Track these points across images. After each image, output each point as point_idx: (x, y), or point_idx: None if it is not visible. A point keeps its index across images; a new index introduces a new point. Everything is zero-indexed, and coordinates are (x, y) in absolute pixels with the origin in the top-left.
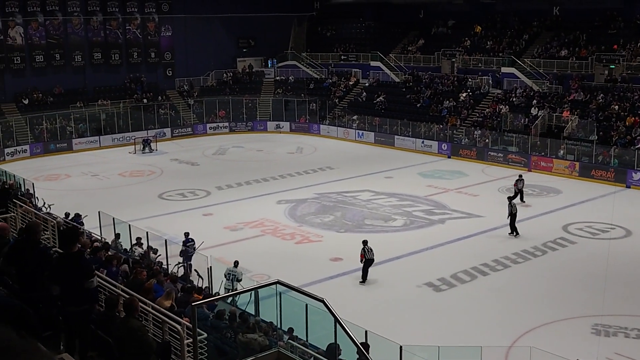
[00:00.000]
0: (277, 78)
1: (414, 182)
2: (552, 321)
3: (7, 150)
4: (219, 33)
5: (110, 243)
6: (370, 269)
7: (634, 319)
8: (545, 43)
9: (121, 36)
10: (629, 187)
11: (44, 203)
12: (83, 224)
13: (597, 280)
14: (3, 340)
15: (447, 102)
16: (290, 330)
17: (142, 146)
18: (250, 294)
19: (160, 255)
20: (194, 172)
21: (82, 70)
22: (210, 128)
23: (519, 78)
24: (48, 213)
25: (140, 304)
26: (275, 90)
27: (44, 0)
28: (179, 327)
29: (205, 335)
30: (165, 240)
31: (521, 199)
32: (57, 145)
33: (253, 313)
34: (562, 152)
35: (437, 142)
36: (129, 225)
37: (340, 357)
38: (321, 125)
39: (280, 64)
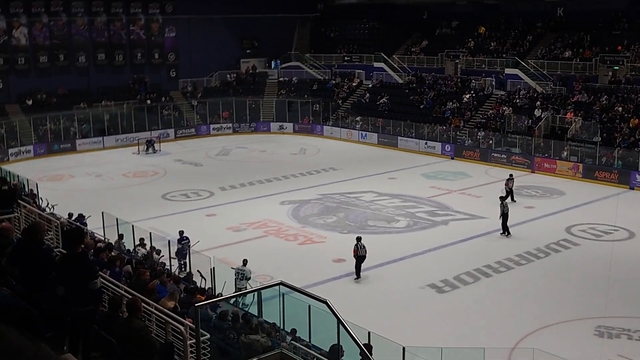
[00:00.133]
0: (281, 79)
1: (417, 183)
2: (555, 323)
3: (11, 150)
4: (222, 34)
5: (113, 244)
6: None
7: (637, 320)
8: (549, 44)
9: (125, 37)
10: (633, 189)
11: (48, 203)
12: (86, 225)
13: (600, 282)
14: (13, 343)
15: (451, 103)
16: (293, 331)
17: (145, 147)
18: (253, 295)
19: (163, 256)
20: (197, 172)
21: (86, 71)
22: (213, 129)
23: (523, 79)
24: (51, 213)
25: (143, 304)
26: (279, 91)
27: (49, 1)
28: (181, 327)
29: (208, 335)
30: (169, 241)
31: (512, 198)
32: (61, 146)
33: (256, 314)
34: (565, 153)
35: (440, 144)
36: (132, 225)
37: (343, 358)
38: (324, 126)
39: (283, 65)
